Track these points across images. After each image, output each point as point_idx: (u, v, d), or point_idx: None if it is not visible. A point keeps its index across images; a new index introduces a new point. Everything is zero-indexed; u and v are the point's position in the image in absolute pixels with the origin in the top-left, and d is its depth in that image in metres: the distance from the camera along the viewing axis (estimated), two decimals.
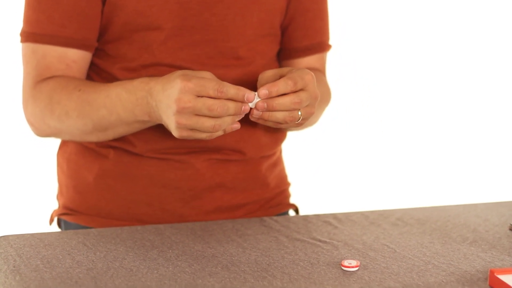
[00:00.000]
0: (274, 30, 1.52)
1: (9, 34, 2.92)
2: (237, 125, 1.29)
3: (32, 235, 1.32)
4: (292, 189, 1.66)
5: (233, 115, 1.26)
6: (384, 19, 3.26)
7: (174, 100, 1.24)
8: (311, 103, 1.31)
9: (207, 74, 1.28)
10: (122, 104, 1.35)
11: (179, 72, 1.27)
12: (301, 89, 1.28)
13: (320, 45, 1.59)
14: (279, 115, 1.29)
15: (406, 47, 3.29)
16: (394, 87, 3.31)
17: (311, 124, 1.57)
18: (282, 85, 1.27)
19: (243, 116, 1.28)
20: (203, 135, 1.27)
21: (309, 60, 1.58)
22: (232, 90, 1.24)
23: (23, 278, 1.15)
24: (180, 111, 1.24)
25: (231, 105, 1.24)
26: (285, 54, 1.58)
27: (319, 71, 1.59)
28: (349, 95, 3.29)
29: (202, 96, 1.24)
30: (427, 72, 3.32)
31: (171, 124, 1.27)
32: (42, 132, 1.47)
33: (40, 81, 1.44)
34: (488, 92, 3.36)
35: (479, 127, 3.37)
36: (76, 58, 1.45)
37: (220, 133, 1.28)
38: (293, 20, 1.55)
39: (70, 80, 1.42)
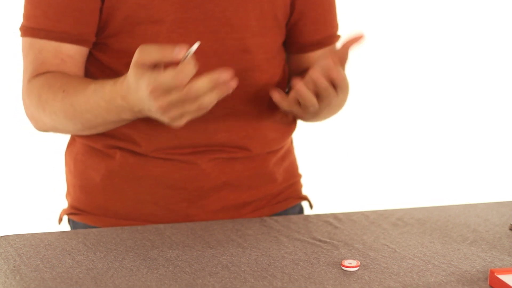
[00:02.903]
0: (278, 23, 1.51)
1: (11, 30, 2.92)
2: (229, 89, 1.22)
3: (32, 235, 1.31)
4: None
5: (211, 88, 1.20)
6: (384, 19, 3.25)
7: (147, 95, 1.21)
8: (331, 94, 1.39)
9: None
10: (105, 110, 1.34)
11: (133, 76, 1.23)
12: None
13: (331, 38, 1.59)
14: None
15: (407, 47, 3.29)
16: (394, 87, 3.31)
17: (330, 115, 1.58)
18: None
19: (227, 91, 1.22)
20: (194, 112, 1.22)
21: (322, 52, 1.59)
22: (201, 84, 1.19)
23: (23, 278, 1.15)
24: (156, 97, 1.20)
25: (202, 83, 1.19)
26: (297, 48, 1.58)
27: None
28: (349, 95, 3.28)
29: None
30: (428, 72, 3.32)
31: (156, 114, 1.24)
32: (40, 127, 1.47)
33: (34, 76, 1.44)
34: (488, 92, 3.36)
35: (479, 127, 3.37)
36: (72, 53, 1.44)
37: (211, 105, 1.22)
38: (303, 15, 1.55)
39: (57, 78, 1.42)
